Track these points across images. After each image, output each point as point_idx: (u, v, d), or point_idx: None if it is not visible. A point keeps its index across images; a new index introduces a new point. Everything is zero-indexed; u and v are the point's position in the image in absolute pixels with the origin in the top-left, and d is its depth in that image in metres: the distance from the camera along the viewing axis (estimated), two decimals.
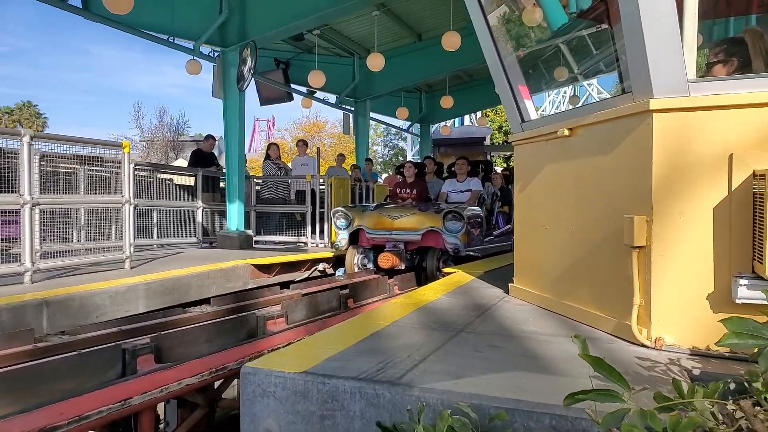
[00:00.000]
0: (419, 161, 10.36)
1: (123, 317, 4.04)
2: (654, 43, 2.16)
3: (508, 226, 8.14)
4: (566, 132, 2.83)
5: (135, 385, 2.45)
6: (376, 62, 9.76)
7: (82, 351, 2.68)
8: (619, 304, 2.44)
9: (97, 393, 2.26)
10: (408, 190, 8.19)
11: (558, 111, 3.80)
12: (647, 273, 2.29)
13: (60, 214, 5.12)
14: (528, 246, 3.44)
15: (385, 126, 33.30)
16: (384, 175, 20.33)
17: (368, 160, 12.37)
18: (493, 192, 8.84)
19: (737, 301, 2.10)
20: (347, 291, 4.80)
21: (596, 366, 1.30)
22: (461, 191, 7.92)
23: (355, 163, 12.50)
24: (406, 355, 2.14)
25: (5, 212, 4.95)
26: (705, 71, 2.63)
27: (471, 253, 6.63)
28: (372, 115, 13.84)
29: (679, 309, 2.25)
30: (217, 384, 3.16)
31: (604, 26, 4.10)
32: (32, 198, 4.59)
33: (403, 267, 6.71)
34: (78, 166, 6.17)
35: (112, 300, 4.41)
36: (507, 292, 3.60)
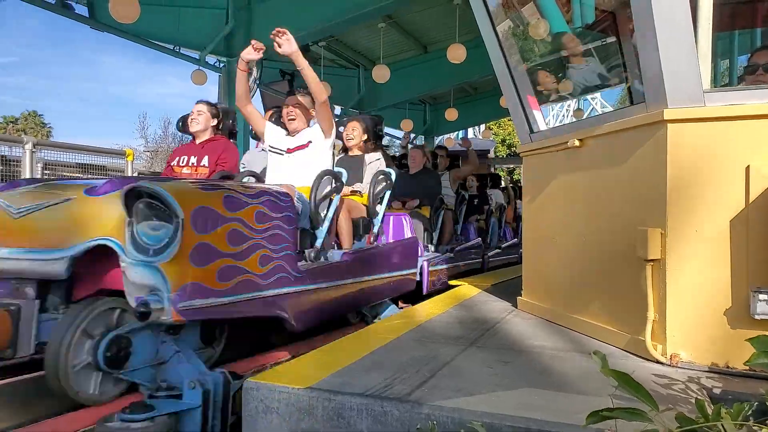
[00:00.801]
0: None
1: None
2: (669, 53, 2.12)
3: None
4: (577, 142, 2.79)
5: None
6: (381, 74, 9.79)
7: None
8: (632, 318, 2.38)
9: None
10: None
11: (562, 123, 3.78)
12: (662, 287, 2.23)
13: None
14: (537, 258, 3.38)
15: (388, 137, 33.47)
16: None
17: None
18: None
19: (756, 316, 2.04)
20: None
21: (622, 382, 1.24)
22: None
23: None
24: (414, 371, 2.08)
25: None
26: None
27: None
28: None
29: (695, 324, 2.18)
30: None
31: (610, 39, 4.08)
32: None
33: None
34: (81, 175, 6.17)
35: None
36: (515, 305, 3.53)
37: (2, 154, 4.91)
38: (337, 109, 13.53)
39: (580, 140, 2.77)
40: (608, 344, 2.53)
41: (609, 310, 2.61)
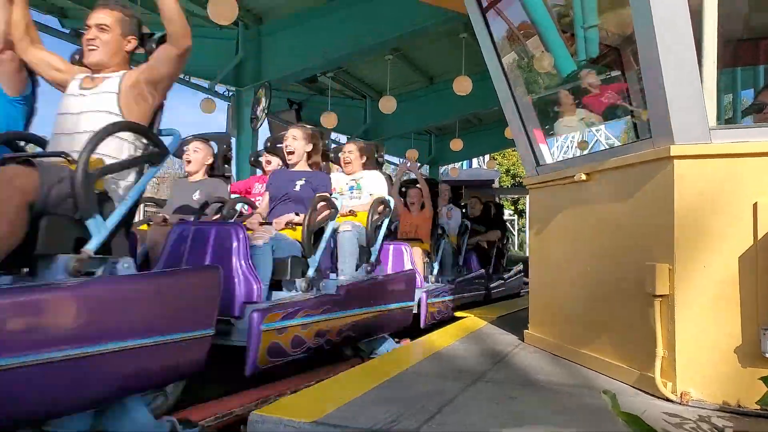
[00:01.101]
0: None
1: None
2: (675, 89, 2.15)
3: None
4: (583, 176, 2.80)
5: None
6: (388, 105, 9.91)
7: None
8: (641, 354, 2.36)
9: None
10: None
11: (566, 156, 3.80)
12: (670, 323, 2.21)
13: None
14: (544, 292, 3.36)
15: (394, 167, 33.66)
16: None
17: None
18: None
19: (767, 355, 2.02)
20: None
21: (633, 424, 1.23)
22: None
23: None
24: (420, 406, 2.05)
25: None
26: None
27: None
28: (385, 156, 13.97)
29: (705, 362, 2.16)
30: None
31: (615, 73, 4.14)
32: None
33: None
34: None
35: None
36: (522, 338, 3.50)
37: None
38: (343, 138, 13.67)
39: (587, 174, 2.79)
40: (617, 380, 2.49)
41: (617, 345, 2.58)
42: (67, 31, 8.54)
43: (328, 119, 10.48)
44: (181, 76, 9.49)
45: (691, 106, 2.15)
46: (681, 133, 2.17)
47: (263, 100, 8.92)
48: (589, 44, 4.04)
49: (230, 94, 9.85)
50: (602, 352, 2.68)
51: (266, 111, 9.04)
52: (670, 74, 2.15)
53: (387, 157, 15.11)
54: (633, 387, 2.38)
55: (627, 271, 2.48)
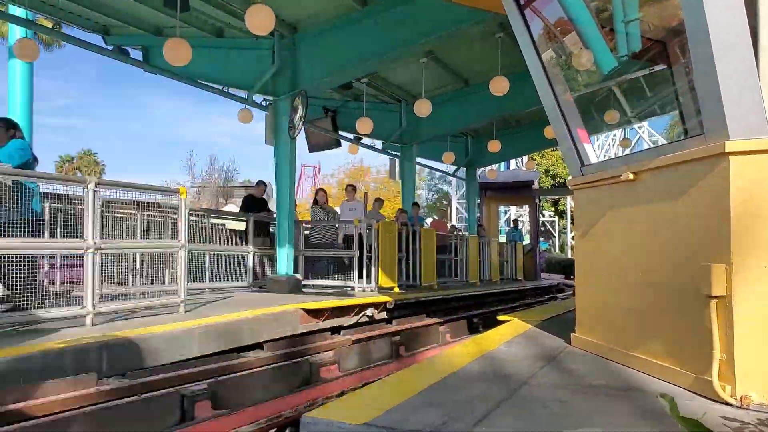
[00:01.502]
0: None
1: (179, 361, 4.07)
2: (729, 81, 2.07)
3: None
4: (630, 176, 2.74)
5: None
6: (423, 108, 9.89)
7: (143, 396, 2.69)
8: (696, 357, 2.29)
9: None
10: None
11: (607, 154, 3.72)
12: (728, 325, 2.14)
13: (116, 258, 5.27)
14: (591, 294, 3.30)
15: (429, 170, 33.58)
16: (429, 220, 20.28)
17: (415, 204, 12.39)
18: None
19: None
20: (399, 338, 4.70)
21: (692, 428, 1.19)
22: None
23: (401, 207, 12.53)
24: (470, 409, 2.05)
25: (66, 256, 5.15)
26: None
27: None
28: (418, 159, 13.95)
29: (766, 365, 2.08)
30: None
31: (660, 67, 4.03)
32: (95, 243, 4.75)
33: None
34: (135, 212, 6.43)
35: (168, 343, 4.46)
36: (568, 341, 3.44)
37: (65, 192, 5.18)
38: (378, 143, 13.72)
39: (634, 173, 2.73)
40: (671, 383, 2.43)
41: (670, 348, 2.51)
42: (110, 48, 8.87)
43: (364, 125, 10.53)
44: (219, 86, 9.72)
45: (748, 99, 2.08)
46: (737, 127, 2.10)
47: (300, 108, 9.03)
48: (630, 38, 3.96)
49: (267, 103, 10.02)
50: (654, 355, 2.61)
51: (303, 119, 9.14)
52: (723, 65, 2.08)
53: (422, 160, 15.11)
54: (688, 390, 2.31)
55: (680, 272, 2.41)
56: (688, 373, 2.35)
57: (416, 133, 12.59)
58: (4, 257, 4.10)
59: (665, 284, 2.54)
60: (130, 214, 6.39)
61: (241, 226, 9.19)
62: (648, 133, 24.34)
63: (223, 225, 9.03)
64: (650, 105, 5.57)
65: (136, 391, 2.98)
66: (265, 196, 10.30)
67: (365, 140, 13.54)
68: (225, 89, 9.84)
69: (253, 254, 8.76)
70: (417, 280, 9.90)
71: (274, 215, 9.25)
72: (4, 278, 4.14)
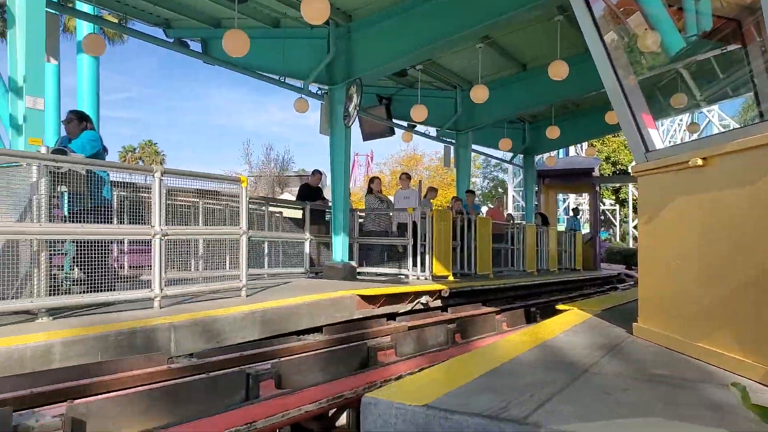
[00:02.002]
0: None
1: (241, 343, 4.25)
2: None
3: None
4: (699, 162, 2.64)
5: (259, 409, 2.55)
6: (479, 94, 9.77)
7: (211, 374, 2.84)
8: None
9: (227, 414, 2.38)
10: None
11: (673, 140, 3.58)
12: None
13: (180, 244, 5.53)
14: (655, 283, 3.20)
15: (484, 157, 33.05)
16: (484, 208, 20.07)
17: (470, 191, 12.29)
18: None
19: None
20: (455, 326, 4.72)
21: (766, 418, 1.16)
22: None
23: (456, 195, 12.46)
24: (529, 395, 2.05)
25: (133, 242, 5.46)
26: None
27: None
28: (473, 146, 13.80)
29: None
30: (331, 412, 3.21)
31: (732, 47, 3.83)
32: (162, 229, 5.00)
33: None
34: (197, 200, 6.73)
35: (231, 326, 4.67)
36: (630, 331, 3.36)
37: (134, 181, 5.48)
38: (432, 131, 13.66)
39: (704, 159, 2.62)
40: (739, 375, 2.34)
41: (740, 339, 2.42)
42: (171, 41, 9.21)
43: (418, 112, 10.51)
44: (275, 76, 9.92)
45: None
46: None
47: (355, 96, 9.11)
48: (700, 17, 3.77)
49: (322, 92, 10.16)
50: (721, 345, 2.51)
51: (358, 107, 9.23)
52: None
53: (478, 147, 14.94)
54: (758, 383, 2.22)
55: (753, 261, 2.31)
56: (760, 366, 2.26)
57: (472, 119, 12.46)
58: (79, 242, 4.39)
59: (735, 274, 2.44)
60: (191, 202, 6.70)
61: (297, 214, 9.42)
62: (718, 116, 23.06)
63: (280, 213, 9.28)
64: (721, 87, 5.29)
65: (204, 369, 3.15)
66: (320, 185, 10.49)
67: (419, 128, 13.51)
68: (281, 79, 10.04)
69: (310, 241, 8.97)
70: (472, 269, 9.86)
71: (330, 203, 9.42)
72: (80, 262, 4.42)
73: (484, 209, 17.94)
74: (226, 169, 38.64)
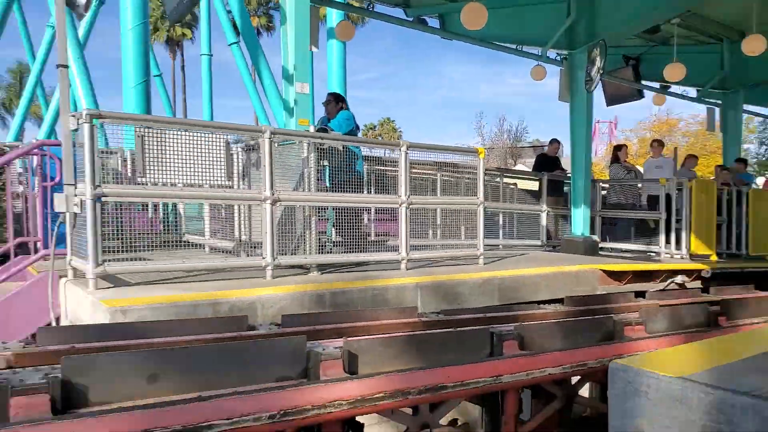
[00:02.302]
0: None
1: (481, 307, 4.46)
2: None
3: None
4: None
5: (504, 365, 2.70)
6: (754, 45, 8.28)
7: (458, 329, 3.08)
8: None
9: (476, 366, 2.58)
10: None
11: None
12: None
13: (419, 214, 5.98)
14: None
15: (760, 119, 27.63)
16: (761, 179, 17.02)
17: (741, 160, 10.54)
18: None
19: None
20: (718, 307, 4.20)
21: None
22: None
23: (721, 164, 10.82)
24: None
25: (378, 211, 6.08)
26: None
27: None
28: (745, 107, 11.76)
29: None
30: (574, 380, 3.20)
31: None
32: (407, 198, 5.44)
33: None
34: (435, 172, 7.16)
35: (470, 290, 4.92)
36: None
37: (380, 156, 6.09)
38: (691, 91, 12.03)
39: None
40: None
41: None
42: (411, 19, 9.69)
43: (675, 71, 9.35)
44: (512, 46, 9.79)
45: None
46: None
47: (598, 59, 8.51)
48: None
49: (561, 58, 9.71)
50: None
51: (601, 71, 8.61)
52: None
53: (754, 108, 12.67)
54: None
55: None
56: None
57: (743, 75, 10.64)
58: (338, 209, 5.08)
59: None
60: (427, 173, 7.17)
61: (532, 185, 9.27)
62: None
63: (515, 184, 9.25)
64: None
65: (451, 325, 3.42)
66: (557, 155, 10.13)
67: (674, 88, 12.01)
68: (518, 48, 9.89)
69: (547, 213, 8.78)
70: (742, 248, 8.54)
71: (568, 174, 9.06)
72: (338, 227, 5.13)
73: (760, 180, 15.19)
74: (459, 142, 39.57)
